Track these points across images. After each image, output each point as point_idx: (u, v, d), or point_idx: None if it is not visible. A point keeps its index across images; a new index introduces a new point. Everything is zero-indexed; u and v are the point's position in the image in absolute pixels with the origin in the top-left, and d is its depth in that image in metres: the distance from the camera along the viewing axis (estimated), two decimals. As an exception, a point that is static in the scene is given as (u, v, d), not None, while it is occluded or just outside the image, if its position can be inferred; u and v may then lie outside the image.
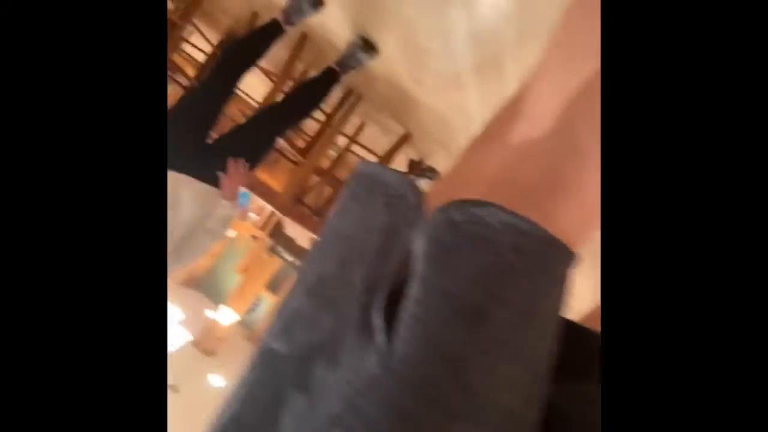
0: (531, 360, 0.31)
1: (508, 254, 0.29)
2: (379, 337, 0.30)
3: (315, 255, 0.39)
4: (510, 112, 0.38)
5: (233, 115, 2.97)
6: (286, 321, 0.36)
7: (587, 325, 0.43)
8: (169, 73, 2.89)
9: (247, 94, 3.09)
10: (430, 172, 2.85)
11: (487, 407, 0.30)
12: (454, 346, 0.28)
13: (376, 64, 1.89)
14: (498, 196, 0.31)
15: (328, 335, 0.32)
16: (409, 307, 0.29)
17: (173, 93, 3.02)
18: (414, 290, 0.30)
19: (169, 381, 5.06)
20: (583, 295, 2.57)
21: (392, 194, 0.36)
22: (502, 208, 0.30)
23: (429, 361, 0.28)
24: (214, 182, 1.65)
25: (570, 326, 0.39)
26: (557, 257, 0.31)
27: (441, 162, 2.65)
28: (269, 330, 0.38)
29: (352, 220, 0.38)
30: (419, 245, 0.31)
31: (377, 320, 0.30)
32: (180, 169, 1.58)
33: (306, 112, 2.05)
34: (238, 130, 1.92)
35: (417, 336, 0.28)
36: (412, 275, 0.31)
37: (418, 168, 2.85)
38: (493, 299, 0.29)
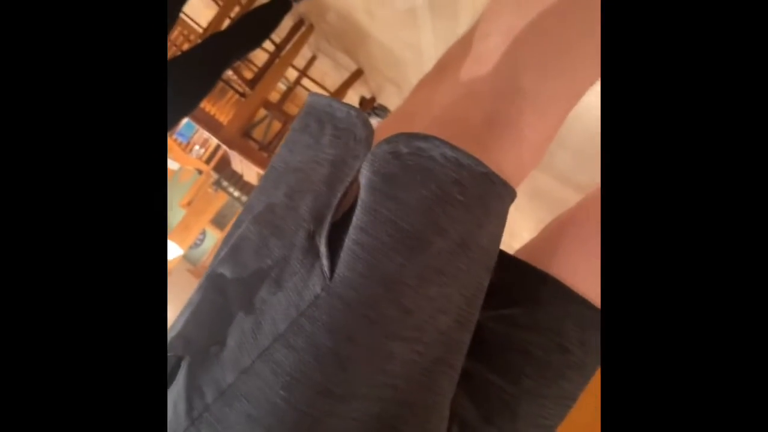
0: (466, 287, 0.33)
1: (449, 186, 0.31)
2: (324, 262, 0.31)
3: (264, 185, 0.40)
4: (459, 50, 0.39)
5: (176, 40, 2.79)
6: (234, 247, 0.37)
7: (519, 256, 0.47)
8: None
9: (191, 19, 2.91)
10: (380, 110, 2.83)
11: (424, 328, 0.32)
12: (393, 271, 0.30)
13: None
14: (442, 131, 0.32)
15: (275, 261, 0.33)
16: (352, 234, 0.31)
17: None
18: (357, 218, 0.31)
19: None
20: (521, 233, 2.69)
21: (341, 127, 0.37)
22: (444, 143, 0.31)
23: (369, 285, 0.30)
24: None
25: (501, 256, 0.41)
26: (495, 192, 0.33)
27: (392, 100, 2.63)
28: (216, 256, 0.39)
29: (300, 151, 0.38)
30: (365, 175, 0.32)
31: (322, 246, 0.32)
32: None
33: (254, 42, 1.96)
34: (182, 58, 1.83)
35: (359, 260, 0.30)
36: (357, 204, 0.32)
37: (369, 105, 2.82)
38: (433, 228, 0.31)
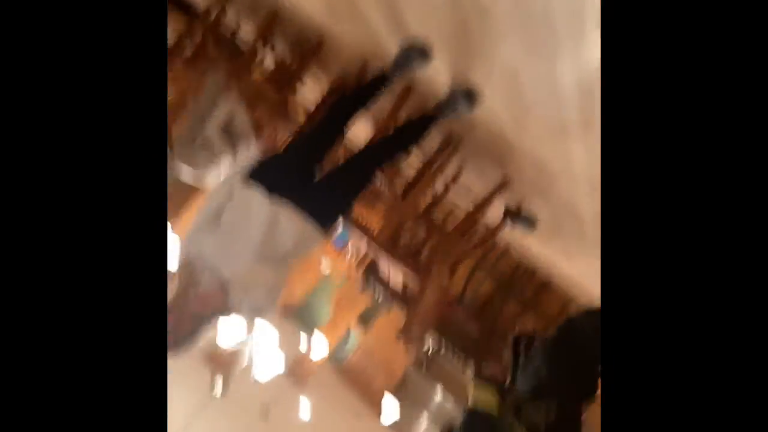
0: None
1: None
2: None
3: None
4: None
5: (338, 158, 3.13)
6: None
7: None
8: (282, 116, 3.12)
9: (350, 141, 3.26)
10: (525, 220, 2.80)
11: None
12: None
13: (477, 111, 1.93)
14: None
15: None
16: None
17: (286, 135, 3.25)
18: None
19: (261, 407, 5.24)
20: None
21: None
22: None
23: None
24: (314, 218, 1.75)
25: None
26: None
27: (539, 210, 2.60)
28: None
29: None
30: None
31: None
32: (285, 201, 1.71)
33: (402, 151, 2.13)
34: (340, 168, 2.04)
35: None
36: None
37: (514, 215, 2.81)
38: None
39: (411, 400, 7.81)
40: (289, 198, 1.73)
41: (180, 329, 1.64)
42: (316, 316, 9.27)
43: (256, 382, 3.51)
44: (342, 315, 7.59)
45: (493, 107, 1.86)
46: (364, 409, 7.89)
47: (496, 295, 4.10)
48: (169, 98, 2.91)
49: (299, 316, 9.57)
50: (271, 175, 1.81)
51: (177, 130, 2.84)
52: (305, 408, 6.26)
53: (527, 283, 4.06)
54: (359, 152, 2.06)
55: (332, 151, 2.11)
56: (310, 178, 1.90)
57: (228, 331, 3.55)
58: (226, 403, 3.73)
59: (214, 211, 1.77)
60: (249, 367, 3.56)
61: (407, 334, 3.92)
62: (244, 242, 1.70)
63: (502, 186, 2.51)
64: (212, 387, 3.32)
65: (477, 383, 1.92)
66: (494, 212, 2.89)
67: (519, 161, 2.17)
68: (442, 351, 4.47)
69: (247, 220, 1.71)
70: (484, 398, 1.85)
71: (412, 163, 2.88)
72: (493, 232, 2.83)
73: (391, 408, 5.58)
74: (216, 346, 4.26)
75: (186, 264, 1.72)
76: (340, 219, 2.34)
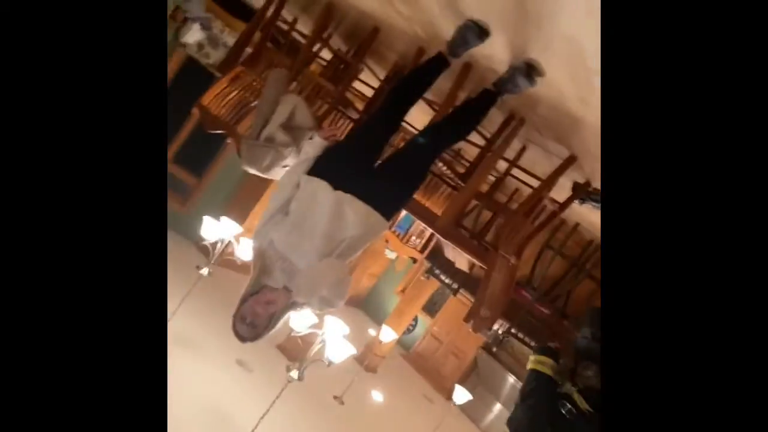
0: None
1: None
2: None
3: None
4: None
5: (398, 144, 3.14)
6: None
7: None
8: (341, 107, 3.17)
9: (410, 124, 3.26)
10: (595, 194, 2.70)
11: None
12: None
13: (539, 87, 1.88)
14: None
15: None
16: None
17: (345, 125, 3.30)
18: None
19: (336, 393, 5.39)
20: None
21: None
22: None
23: None
24: (375, 204, 1.78)
25: None
26: None
27: (609, 184, 2.50)
28: None
29: None
30: None
31: None
32: (348, 191, 1.74)
33: (462, 132, 2.11)
34: (399, 152, 2.05)
35: None
36: None
37: (583, 190, 2.72)
38: None
39: (483, 385, 7.78)
40: (352, 187, 1.76)
41: (256, 319, 1.72)
42: (384, 304, 9.39)
43: (330, 365, 3.61)
44: (409, 302, 7.63)
45: (555, 79, 1.80)
46: (436, 394, 7.95)
47: (567, 275, 3.99)
48: (231, 98, 3.03)
49: (367, 305, 9.73)
50: (334, 166, 1.85)
51: (242, 129, 2.96)
52: (378, 393, 6.39)
53: (599, 261, 3.91)
54: (419, 134, 2.06)
55: (393, 138, 2.13)
56: (372, 166, 1.93)
57: (300, 320, 3.68)
58: (303, 388, 3.86)
59: (283, 203, 1.84)
60: (321, 353, 3.67)
61: (475, 318, 3.89)
62: (310, 232, 1.75)
63: (568, 163, 2.44)
64: (288, 372, 3.45)
65: (536, 350, 2.09)
66: (563, 189, 2.81)
67: (584, 136, 2.10)
68: (513, 334, 4.42)
69: (312, 211, 1.76)
70: (542, 361, 1.99)
71: (474, 143, 2.84)
72: (560, 209, 2.75)
73: (462, 391, 5.58)
74: (290, 335, 4.43)
75: (259, 254, 1.80)
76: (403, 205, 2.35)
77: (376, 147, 1.98)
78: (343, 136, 2.68)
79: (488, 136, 2.69)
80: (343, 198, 1.74)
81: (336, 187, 1.76)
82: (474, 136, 2.58)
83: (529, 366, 2.11)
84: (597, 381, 1.81)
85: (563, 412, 1.82)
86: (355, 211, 1.75)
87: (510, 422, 2.01)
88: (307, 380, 3.61)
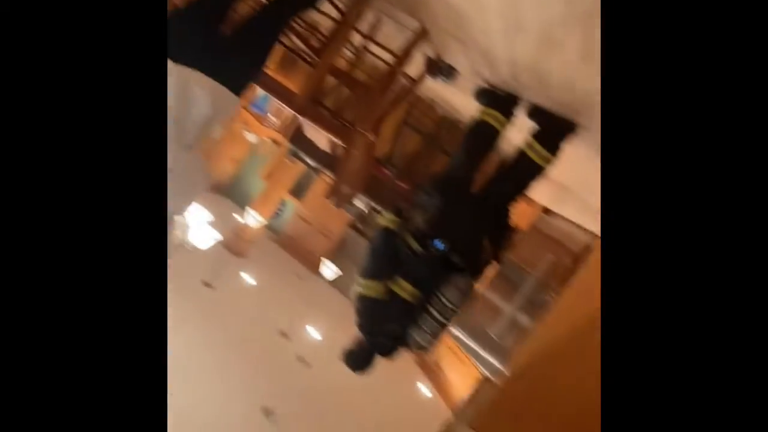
0: None
1: None
2: None
3: None
4: None
5: (243, 11, 2.91)
6: None
7: None
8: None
9: (259, -8, 3.01)
10: (447, 70, 2.81)
11: None
12: None
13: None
14: None
15: None
16: None
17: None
18: None
19: (204, 278, 5.39)
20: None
21: None
22: None
23: None
24: (226, 81, 1.67)
25: None
26: None
27: (458, 58, 2.60)
28: None
29: None
30: None
31: None
32: (191, 65, 1.61)
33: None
34: (248, 21, 1.91)
35: None
36: None
37: (435, 66, 2.81)
38: None
39: (352, 261, 8.27)
40: (196, 61, 1.63)
41: None
42: (249, 189, 9.24)
43: (195, 250, 3.58)
44: (274, 186, 7.60)
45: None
46: (307, 271, 8.31)
47: (424, 151, 4.22)
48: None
49: (232, 192, 9.51)
50: (174, 37, 1.68)
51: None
52: (249, 276, 6.51)
53: (454, 136, 4.18)
54: (264, 5, 1.93)
55: (238, 6, 1.97)
56: (217, 36, 1.79)
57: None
58: (170, 276, 3.81)
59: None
60: (185, 241, 3.60)
61: (337, 194, 4.03)
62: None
63: (419, 37, 2.47)
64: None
65: (386, 212, 2.39)
66: (415, 65, 2.87)
67: (433, 9, 2.13)
68: (377, 210, 4.67)
69: None
70: (388, 218, 2.32)
71: (330, 15, 2.74)
72: (413, 84, 2.84)
73: (330, 265, 5.90)
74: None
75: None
76: (257, 80, 2.25)
77: (220, 12, 1.82)
78: (183, 3, 2.41)
79: (343, 9, 2.60)
80: (188, 73, 1.61)
81: (179, 62, 1.61)
82: (329, 8, 2.47)
83: (376, 223, 2.45)
84: (421, 220, 2.17)
85: (401, 256, 2.20)
86: (202, 86, 1.63)
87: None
88: (174, 267, 3.56)
